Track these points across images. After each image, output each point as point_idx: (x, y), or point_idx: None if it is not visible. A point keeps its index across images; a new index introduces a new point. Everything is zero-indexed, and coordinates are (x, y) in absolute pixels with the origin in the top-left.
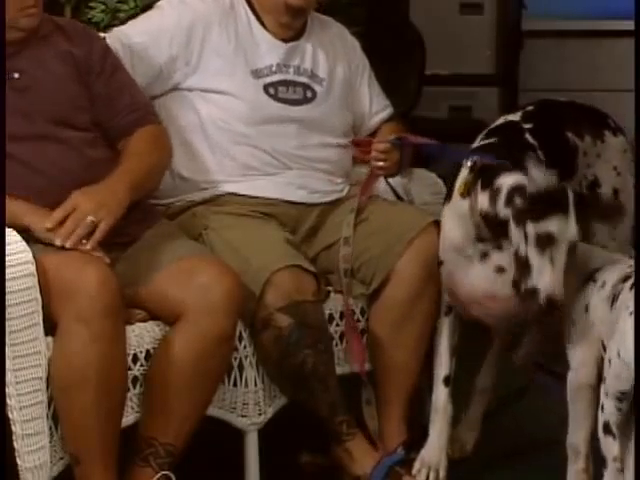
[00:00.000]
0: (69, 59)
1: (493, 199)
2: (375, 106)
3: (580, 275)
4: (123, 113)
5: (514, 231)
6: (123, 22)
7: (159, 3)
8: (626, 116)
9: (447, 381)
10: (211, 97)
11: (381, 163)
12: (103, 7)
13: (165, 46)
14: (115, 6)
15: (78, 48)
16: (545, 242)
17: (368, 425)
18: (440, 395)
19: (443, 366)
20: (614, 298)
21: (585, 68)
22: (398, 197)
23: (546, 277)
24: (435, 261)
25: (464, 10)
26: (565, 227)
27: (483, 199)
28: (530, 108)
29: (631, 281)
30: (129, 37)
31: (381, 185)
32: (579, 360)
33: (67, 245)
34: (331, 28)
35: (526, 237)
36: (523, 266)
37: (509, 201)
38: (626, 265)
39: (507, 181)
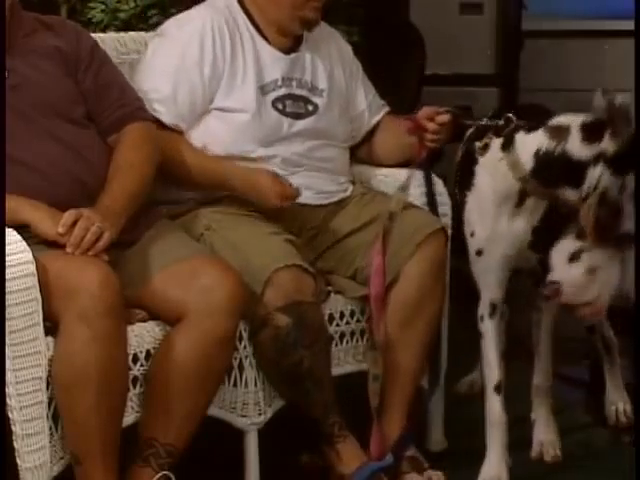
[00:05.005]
0: (57, 55)
1: (556, 137)
2: (371, 108)
3: None
4: (112, 108)
5: (598, 172)
6: (123, 22)
7: (169, 36)
8: None
9: (499, 389)
10: (225, 116)
11: (437, 136)
12: (103, 7)
13: (197, 79)
14: (115, 6)
15: (66, 44)
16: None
17: (371, 401)
18: (494, 405)
19: (494, 373)
20: None
21: (585, 68)
22: (432, 196)
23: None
24: (442, 265)
25: (464, 10)
26: None
27: (534, 139)
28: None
29: None
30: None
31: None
32: None
33: (76, 253)
34: (325, 33)
35: (624, 186)
36: (614, 210)
37: (590, 140)
38: None
39: (572, 119)
